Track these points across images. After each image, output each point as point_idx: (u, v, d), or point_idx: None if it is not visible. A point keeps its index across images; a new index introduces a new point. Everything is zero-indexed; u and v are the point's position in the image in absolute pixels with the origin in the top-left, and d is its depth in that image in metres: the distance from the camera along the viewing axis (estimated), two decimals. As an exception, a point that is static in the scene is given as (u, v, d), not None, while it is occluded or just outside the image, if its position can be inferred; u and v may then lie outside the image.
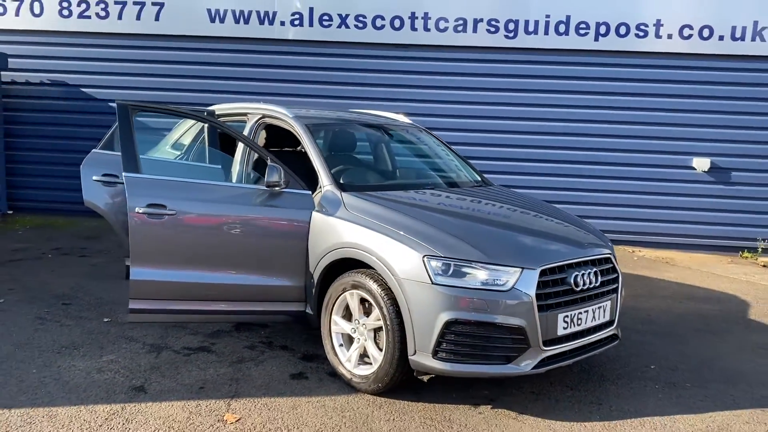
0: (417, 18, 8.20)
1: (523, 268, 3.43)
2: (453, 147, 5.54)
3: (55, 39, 8.57)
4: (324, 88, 8.44)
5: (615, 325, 3.95)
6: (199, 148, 5.03)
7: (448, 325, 3.35)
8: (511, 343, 3.40)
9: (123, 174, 3.84)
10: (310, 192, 4.13)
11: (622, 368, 4.29)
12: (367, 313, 3.75)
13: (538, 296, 3.41)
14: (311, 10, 8.26)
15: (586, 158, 8.45)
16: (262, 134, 4.98)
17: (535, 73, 8.33)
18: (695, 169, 8.38)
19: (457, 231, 3.69)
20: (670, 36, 8.10)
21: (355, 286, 3.73)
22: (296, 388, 3.78)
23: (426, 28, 8.22)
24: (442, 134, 6.34)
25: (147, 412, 3.39)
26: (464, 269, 3.42)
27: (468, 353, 3.40)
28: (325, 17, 8.27)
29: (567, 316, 3.54)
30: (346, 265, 3.88)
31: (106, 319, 4.82)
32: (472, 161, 5.47)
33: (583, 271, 3.63)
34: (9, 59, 8.40)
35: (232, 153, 4.66)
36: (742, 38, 8.05)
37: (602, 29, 8.12)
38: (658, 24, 8.07)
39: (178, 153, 5.30)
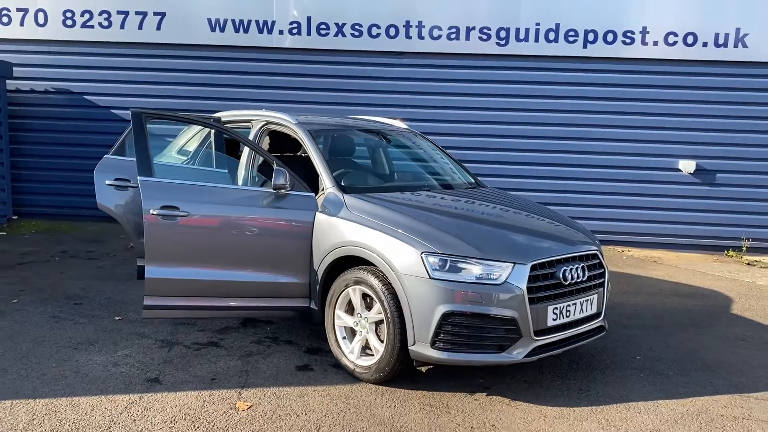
0: (411, 26, 8.46)
1: (514, 263, 3.67)
2: (447, 150, 5.78)
3: (59, 48, 8.79)
4: (321, 94, 8.69)
5: (602, 317, 4.20)
6: (206, 153, 5.25)
7: (446, 316, 3.59)
8: (504, 333, 3.64)
9: (138, 178, 4.07)
10: (314, 194, 4.36)
11: (609, 359, 4.54)
12: (369, 307, 3.99)
13: (529, 289, 3.65)
14: (309, 19, 8.51)
15: (575, 161, 8.71)
16: (266, 140, 5.20)
17: (526, 79, 8.60)
18: (681, 171, 8.65)
19: (453, 229, 3.94)
20: (655, 43, 8.39)
21: (357, 282, 3.97)
22: (302, 378, 4.01)
23: (420, 36, 8.48)
24: (437, 138, 6.59)
25: (163, 401, 3.61)
26: (460, 264, 3.66)
27: (464, 343, 3.63)
28: (323, 26, 8.52)
29: (556, 308, 3.79)
30: (348, 263, 4.12)
31: (117, 318, 5.04)
32: (465, 164, 5.72)
33: (571, 266, 3.88)
34: (14, 68, 8.60)
35: (238, 157, 4.90)
36: (725, 44, 8.33)
37: (590, 36, 8.40)
38: (644, 31, 8.36)
39: (185, 158, 5.52)
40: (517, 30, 8.42)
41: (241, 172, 4.71)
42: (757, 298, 6.47)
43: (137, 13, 8.60)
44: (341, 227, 4.13)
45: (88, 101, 8.90)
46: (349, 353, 4.06)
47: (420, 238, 3.77)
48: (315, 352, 4.44)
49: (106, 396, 3.65)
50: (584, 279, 3.97)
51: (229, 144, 5.18)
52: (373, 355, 3.95)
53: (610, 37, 8.38)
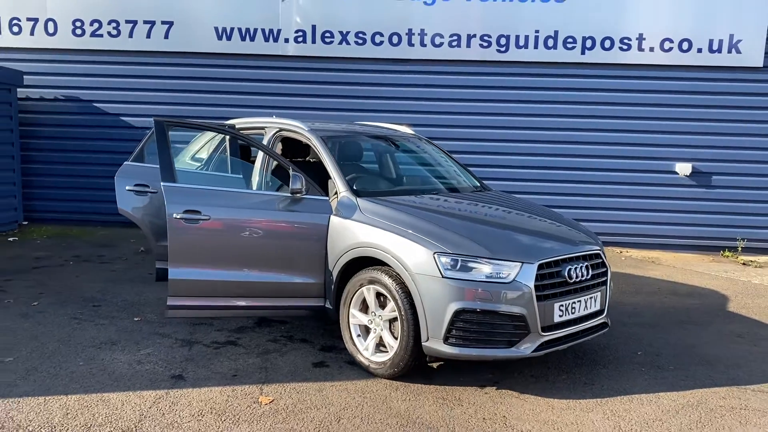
0: (414, 34, 8.67)
1: (522, 263, 3.86)
2: (450, 155, 5.97)
3: (69, 57, 8.96)
4: (326, 101, 8.88)
5: (605, 314, 4.39)
6: (221, 159, 5.44)
7: (458, 313, 3.78)
8: (513, 329, 3.83)
9: (161, 183, 4.25)
10: (328, 198, 4.55)
11: (611, 354, 4.73)
12: (383, 305, 4.17)
13: (537, 287, 3.84)
14: (314, 27, 8.71)
15: (574, 164, 8.91)
16: (279, 146, 5.39)
17: (526, 85, 8.81)
18: (678, 174, 8.86)
19: (463, 230, 4.13)
20: (651, 49, 8.61)
21: (371, 282, 4.16)
22: (319, 374, 4.19)
23: (422, 44, 8.68)
24: (439, 143, 6.77)
25: (189, 396, 3.79)
26: (470, 264, 3.86)
27: (475, 338, 3.82)
28: (327, 34, 8.72)
29: (562, 305, 3.98)
30: (362, 263, 4.30)
31: (136, 318, 5.21)
32: (468, 168, 5.91)
33: (575, 265, 4.08)
34: (24, 76, 8.76)
35: (253, 163, 5.09)
36: (719, 50, 8.56)
37: (588, 43, 8.62)
38: (641, 38, 8.58)
39: (198, 164, 5.70)
40: (517, 37, 8.63)
41: (257, 177, 4.90)
42: (752, 296, 6.67)
43: (145, 22, 8.78)
44: (355, 229, 4.32)
45: (97, 109, 9.07)
46: (364, 350, 4.24)
47: (432, 239, 3.96)
48: (329, 350, 4.62)
49: (133, 392, 3.82)
50: (588, 277, 4.16)
51: (243, 150, 5.37)
52: (387, 352, 4.13)
53: (607, 44, 8.60)
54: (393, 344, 4.07)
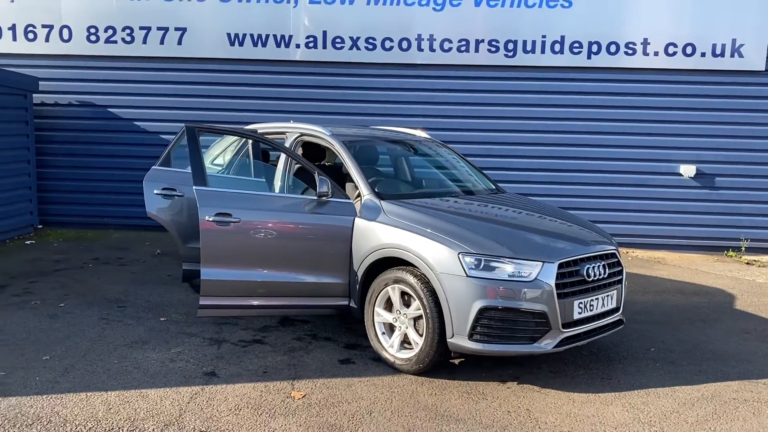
0: (423, 39, 8.83)
1: (543, 262, 4.03)
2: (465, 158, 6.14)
3: (83, 63, 9.09)
4: (337, 105, 9.02)
5: (621, 311, 4.55)
6: (242, 163, 5.59)
7: (482, 311, 3.94)
8: (535, 326, 3.99)
9: (194, 187, 4.41)
10: (352, 201, 4.71)
11: (625, 351, 4.89)
12: (407, 304, 4.33)
13: (557, 286, 4.01)
14: (324, 33, 8.87)
15: (581, 166, 9.06)
16: (299, 150, 5.54)
17: (534, 89, 8.97)
18: (682, 176, 9.03)
19: (485, 231, 4.29)
20: (656, 53, 8.78)
21: (396, 281, 4.31)
22: (346, 370, 4.34)
23: (431, 49, 8.84)
24: (450, 146, 6.93)
25: (224, 392, 3.94)
26: (493, 264, 4.01)
27: (499, 335, 3.98)
28: (338, 40, 8.87)
29: (581, 303, 4.14)
30: (385, 264, 4.46)
31: (162, 318, 5.35)
32: (482, 170, 6.07)
33: (593, 265, 4.24)
34: (40, 82, 8.90)
35: (276, 167, 5.24)
36: (722, 54, 8.74)
37: (594, 48, 8.78)
38: (645, 42, 8.75)
39: (219, 168, 5.86)
40: (525, 42, 8.80)
41: (283, 181, 5.05)
42: (757, 294, 6.84)
43: (159, 28, 8.93)
44: (380, 231, 4.47)
45: (111, 114, 9.21)
46: (389, 347, 4.40)
47: (456, 240, 4.12)
48: (354, 348, 4.77)
49: (170, 388, 3.97)
50: (605, 276, 4.33)
51: (265, 154, 5.52)
52: (412, 348, 4.29)
53: (613, 48, 8.77)
54: (418, 341, 4.23)
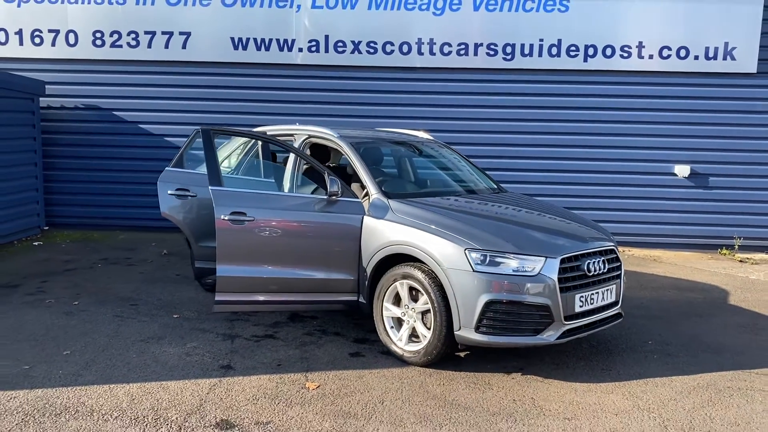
0: (423, 43, 9.02)
1: (546, 257, 4.21)
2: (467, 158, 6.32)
3: (89, 67, 9.23)
4: (339, 108, 9.19)
5: (619, 305, 4.74)
6: (251, 164, 5.76)
7: (488, 304, 4.12)
8: (538, 318, 4.17)
9: (210, 188, 4.57)
10: (360, 200, 4.88)
11: (624, 343, 5.08)
12: (415, 299, 4.50)
13: (560, 280, 4.19)
14: (326, 37, 9.04)
15: (577, 167, 9.25)
16: (307, 152, 5.71)
17: (531, 91, 9.16)
18: (677, 176, 9.24)
19: (490, 228, 4.47)
20: (651, 56, 8.99)
21: (405, 277, 4.49)
22: (357, 363, 4.51)
23: (432, 53, 9.03)
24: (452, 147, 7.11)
25: (241, 383, 4.10)
26: (498, 259, 4.20)
27: (504, 327, 4.16)
28: (340, 44, 9.05)
29: (582, 297, 4.33)
30: (393, 260, 4.64)
31: (175, 315, 5.51)
32: (484, 170, 6.25)
33: (593, 260, 4.43)
34: (46, 86, 9.04)
35: (285, 168, 5.42)
36: (715, 57, 8.95)
37: (590, 51, 8.99)
38: (640, 46, 8.96)
39: (228, 169, 6.02)
40: (522, 46, 9.00)
41: (293, 181, 5.23)
42: (750, 291, 7.04)
43: (164, 32, 9.08)
44: (388, 229, 4.65)
45: (116, 117, 9.36)
46: (398, 340, 4.57)
47: (462, 236, 4.30)
48: (363, 342, 4.94)
49: (189, 380, 4.13)
50: (605, 271, 4.52)
51: (274, 155, 5.70)
52: (420, 341, 4.46)
53: (608, 52, 8.97)
54: (426, 334, 4.40)
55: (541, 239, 4.47)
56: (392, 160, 5.99)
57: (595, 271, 4.42)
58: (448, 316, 4.26)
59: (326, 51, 9.08)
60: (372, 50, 9.04)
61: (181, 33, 9.09)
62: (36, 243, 8.59)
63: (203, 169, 5.86)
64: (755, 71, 8.95)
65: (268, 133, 5.78)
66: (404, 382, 4.20)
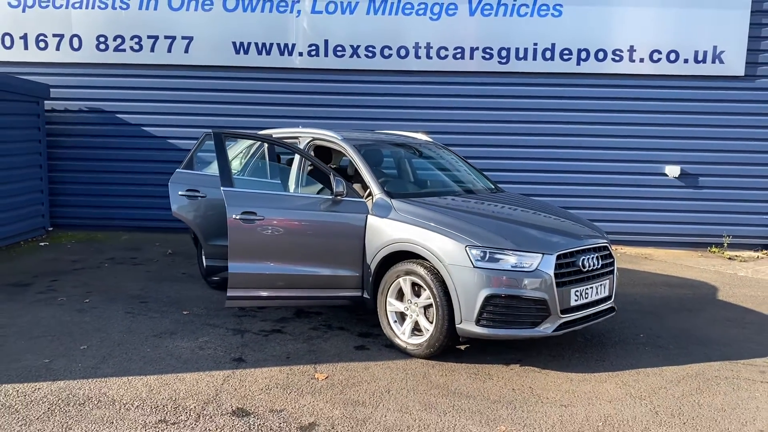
0: (420, 47, 9.23)
1: (543, 254, 4.43)
2: (465, 159, 6.54)
3: (93, 70, 9.40)
4: (338, 110, 9.38)
5: (612, 299, 4.97)
6: (257, 165, 5.95)
7: (488, 299, 4.33)
8: (536, 312, 4.39)
9: (221, 188, 4.78)
10: (364, 199, 5.09)
11: (617, 337, 5.31)
12: (417, 294, 4.72)
13: (556, 275, 4.41)
14: (326, 42, 9.25)
15: (570, 167, 9.48)
16: (311, 153, 5.91)
17: (526, 94, 9.39)
18: (667, 176, 9.48)
19: (489, 226, 4.69)
20: (642, 60, 9.23)
21: (407, 273, 4.70)
22: (362, 355, 4.72)
23: (428, 56, 9.25)
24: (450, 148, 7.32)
25: (254, 375, 4.30)
26: (497, 255, 4.41)
27: (503, 320, 4.38)
28: (339, 48, 9.26)
29: (577, 291, 4.55)
30: (396, 258, 4.85)
31: (185, 312, 5.70)
32: (482, 171, 6.47)
33: (588, 256, 4.66)
34: (51, 89, 9.20)
35: (291, 169, 5.62)
36: (704, 60, 9.21)
37: (583, 55, 9.23)
38: (632, 49, 9.21)
39: (235, 171, 6.21)
40: (517, 49, 9.23)
41: (300, 182, 5.43)
42: (738, 287, 7.28)
43: (166, 37, 9.26)
44: (391, 227, 4.86)
45: (120, 119, 9.53)
46: (401, 334, 4.79)
47: (463, 234, 4.52)
48: (367, 336, 5.15)
49: (203, 372, 4.33)
50: (598, 267, 4.74)
51: (279, 157, 5.90)
52: (422, 334, 4.68)
53: (601, 55, 9.21)
54: (428, 327, 4.62)
55: (538, 237, 4.69)
56: (393, 161, 6.20)
57: (589, 266, 4.64)
58: (450, 310, 4.47)
59: (325, 55, 9.28)
60: (370, 54, 9.26)
61: (183, 37, 9.27)
62: (42, 243, 8.76)
63: (211, 170, 6.09)
64: (743, 74, 9.21)
65: (273, 135, 5.98)
66: (408, 373, 4.41)
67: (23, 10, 9.28)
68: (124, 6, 9.25)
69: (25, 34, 9.31)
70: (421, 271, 4.59)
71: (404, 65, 9.31)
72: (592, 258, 4.69)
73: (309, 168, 5.46)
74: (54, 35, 9.31)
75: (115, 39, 9.31)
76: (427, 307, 4.66)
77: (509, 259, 4.40)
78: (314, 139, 5.75)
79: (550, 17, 9.16)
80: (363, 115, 9.36)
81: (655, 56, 9.23)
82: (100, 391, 3.98)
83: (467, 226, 4.62)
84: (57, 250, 8.34)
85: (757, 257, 9.15)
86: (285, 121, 8.76)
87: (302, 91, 9.42)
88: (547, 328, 4.42)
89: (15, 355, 4.55)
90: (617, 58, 9.24)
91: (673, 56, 9.21)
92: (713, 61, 9.21)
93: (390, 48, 9.25)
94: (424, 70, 9.32)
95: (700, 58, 9.21)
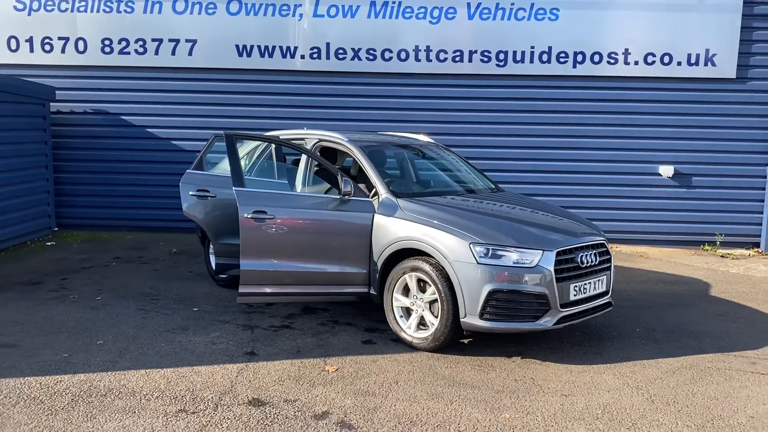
0: (420, 50, 9.42)
1: (543, 251, 4.62)
2: (467, 160, 6.72)
3: (98, 73, 9.55)
4: (340, 112, 9.57)
5: (609, 294, 5.17)
6: (267, 166, 6.12)
7: (491, 293, 4.52)
8: (537, 306, 4.58)
9: (233, 188, 4.95)
10: (371, 199, 5.27)
11: (614, 330, 5.51)
12: (423, 290, 4.90)
13: (556, 271, 4.60)
14: (328, 45, 9.43)
15: (566, 168, 9.68)
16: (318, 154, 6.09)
17: (523, 96, 9.59)
18: (661, 176, 9.70)
19: (492, 224, 4.88)
20: (636, 62, 9.45)
21: (413, 270, 4.88)
22: (370, 349, 4.90)
23: (428, 59, 9.44)
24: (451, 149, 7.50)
25: (266, 367, 4.48)
26: (500, 252, 4.60)
27: (506, 314, 4.57)
28: (340, 51, 9.44)
29: (576, 286, 4.74)
30: (402, 255, 5.03)
31: (195, 309, 5.87)
32: (483, 171, 6.66)
33: (586, 253, 4.85)
34: (56, 91, 9.35)
35: (298, 169, 5.79)
36: (696, 63, 9.43)
37: (579, 57, 9.44)
38: (626, 52, 9.42)
39: (244, 171, 6.37)
40: (514, 52, 9.43)
41: (307, 181, 5.61)
42: (730, 283, 7.50)
43: (170, 40, 9.42)
44: (397, 225, 5.04)
45: (124, 121, 9.68)
46: (407, 328, 4.97)
47: (467, 232, 4.70)
48: (373, 331, 5.33)
49: (218, 365, 4.50)
50: (596, 263, 4.94)
51: (287, 157, 6.08)
52: (428, 328, 4.86)
53: (596, 58, 9.43)
54: (434, 322, 4.80)
55: (539, 234, 4.88)
56: (396, 162, 6.38)
57: (587, 263, 4.84)
58: (454, 304, 4.65)
59: (327, 57, 9.46)
60: (371, 57, 9.44)
61: (187, 40, 9.43)
62: (49, 243, 8.90)
63: (220, 171, 6.26)
64: (734, 77, 9.44)
65: (281, 137, 6.15)
66: (415, 365, 4.60)
67: (29, 14, 9.43)
68: (129, 10, 9.40)
69: (31, 37, 9.45)
70: (427, 267, 4.78)
71: (404, 68, 9.49)
72: (590, 255, 4.89)
73: (316, 168, 5.63)
74: (59, 38, 9.46)
75: (119, 42, 9.46)
76: (432, 302, 4.84)
77: (511, 256, 4.59)
78: (321, 140, 5.92)
79: (546, 21, 9.36)
80: (364, 116, 9.54)
81: (649, 59, 9.44)
82: (120, 383, 4.14)
83: (471, 225, 4.81)
84: (64, 250, 8.49)
85: (749, 255, 9.38)
86: (287, 123, 8.95)
87: (304, 93, 9.60)
88: (547, 322, 4.61)
89: (34, 350, 4.71)
90: (612, 60, 9.45)
91: (666, 59, 9.43)
92: (705, 64, 9.43)
93: (390, 51, 9.44)
94: (424, 72, 9.50)
95: (692, 60, 9.43)
